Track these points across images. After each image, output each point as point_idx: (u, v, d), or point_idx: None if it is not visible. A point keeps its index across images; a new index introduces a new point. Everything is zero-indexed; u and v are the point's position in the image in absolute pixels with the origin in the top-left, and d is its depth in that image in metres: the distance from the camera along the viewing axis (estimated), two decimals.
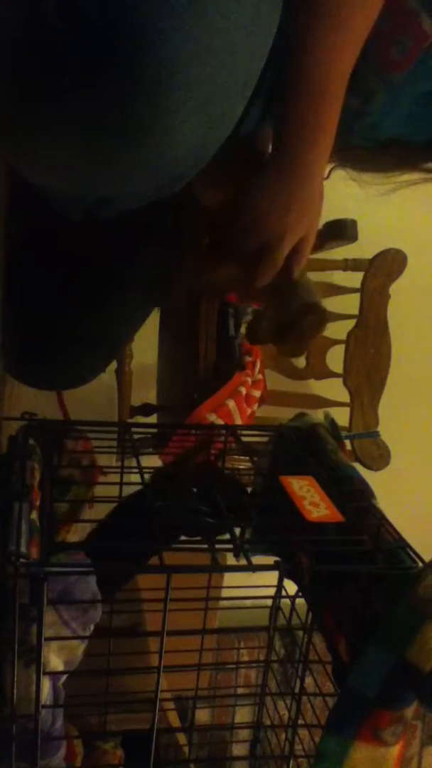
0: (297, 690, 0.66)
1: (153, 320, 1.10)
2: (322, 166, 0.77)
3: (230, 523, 0.63)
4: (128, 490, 0.75)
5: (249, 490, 0.78)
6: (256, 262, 0.79)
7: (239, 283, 0.83)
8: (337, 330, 1.70)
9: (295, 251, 0.81)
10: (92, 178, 0.66)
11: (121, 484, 0.75)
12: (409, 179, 0.97)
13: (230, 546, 0.60)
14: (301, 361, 1.74)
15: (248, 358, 1.46)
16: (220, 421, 1.40)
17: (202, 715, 1.87)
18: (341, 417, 1.59)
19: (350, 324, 1.69)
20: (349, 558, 0.60)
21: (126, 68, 0.55)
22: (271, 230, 0.77)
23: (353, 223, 1.52)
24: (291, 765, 0.68)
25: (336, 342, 1.71)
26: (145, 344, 1.54)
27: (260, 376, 1.51)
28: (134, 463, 0.73)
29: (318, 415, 0.85)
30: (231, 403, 1.42)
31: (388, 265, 1.63)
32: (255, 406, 1.49)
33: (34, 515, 0.58)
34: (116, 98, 0.56)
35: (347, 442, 1.65)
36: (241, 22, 0.59)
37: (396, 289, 1.66)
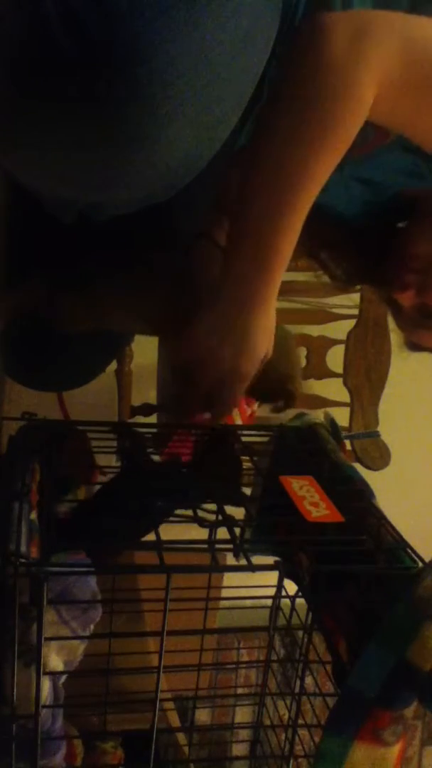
0: (297, 690, 0.66)
1: None
2: (274, 289, 0.72)
3: (229, 523, 0.63)
4: None
5: (249, 490, 0.79)
6: (213, 399, 0.76)
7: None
8: (337, 330, 1.70)
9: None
10: (83, 182, 0.66)
11: None
12: None
13: (230, 546, 0.60)
14: (301, 361, 1.74)
15: None
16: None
17: (202, 715, 1.87)
18: (341, 417, 1.59)
19: (350, 324, 1.69)
20: (349, 558, 0.60)
21: (121, 76, 0.55)
22: (222, 369, 0.73)
23: None
24: (291, 765, 0.68)
25: (336, 342, 1.71)
26: (145, 344, 1.53)
27: None
28: None
29: (318, 415, 0.85)
30: None
31: None
32: (255, 406, 1.49)
33: (34, 515, 0.58)
34: (111, 105, 0.57)
35: (347, 442, 1.65)
36: (237, 34, 0.59)
37: None
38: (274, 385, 0.84)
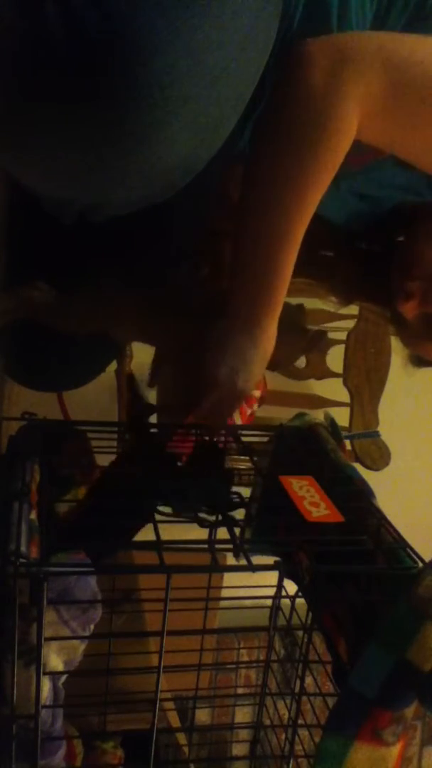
0: (297, 690, 0.66)
1: None
2: (275, 312, 0.74)
3: (229, 523, 0.63)
4: None
5: (249, 490, 0.79)
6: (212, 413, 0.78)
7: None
8: (337, 330, 1.70)
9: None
10: (82, 183, 0.66)
11: None
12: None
13: (230, 546, 0.60)
14: (301, 361, 1.74)
15: None
16: None
17: (202, 715, 1.87)
18: (341, 417, 1.59)
19: (350, 324, 1.69)
20: (349, 558, 0.60)
21: (121, 77, 0.55)
22: (229, 390, 0.75)
23: None
24: (291, 765, 0.68)
25: (336, 342, 1.71)
26: (145, 344, 1.53)
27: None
28: None
29: (318, 415, 0.85)
30: None
31: None
32: (255, 406, 1.49)
33: (34, 515, 0.58)
34: (110, 105, 0.57)
35: (347, 442, 1.66)
36: (236, 36, 0.59)
37: None
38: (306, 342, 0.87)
